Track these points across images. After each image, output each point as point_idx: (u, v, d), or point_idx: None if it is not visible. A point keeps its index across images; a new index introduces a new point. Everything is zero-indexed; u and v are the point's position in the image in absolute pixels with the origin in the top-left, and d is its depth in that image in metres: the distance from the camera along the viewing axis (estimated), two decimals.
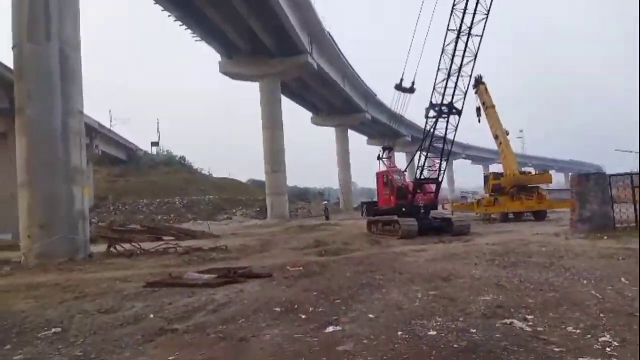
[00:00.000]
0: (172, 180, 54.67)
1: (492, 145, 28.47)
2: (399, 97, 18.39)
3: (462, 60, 15.04)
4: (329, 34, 42.74)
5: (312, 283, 7.68)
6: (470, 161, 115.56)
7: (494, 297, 5.81)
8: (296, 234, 22.93)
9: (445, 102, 15.73)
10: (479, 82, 26.90)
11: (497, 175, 26.20)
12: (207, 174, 63.88)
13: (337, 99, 56.90)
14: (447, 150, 16.43)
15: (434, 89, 15.94)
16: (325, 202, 41.48)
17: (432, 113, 16.32)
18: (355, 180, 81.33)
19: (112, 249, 15.79)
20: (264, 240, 18.72)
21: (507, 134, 26.66)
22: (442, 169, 16.83)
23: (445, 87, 15.55)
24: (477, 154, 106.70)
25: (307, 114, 65.06)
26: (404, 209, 17.09)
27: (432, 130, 16.19)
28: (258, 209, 46.51)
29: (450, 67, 15.14)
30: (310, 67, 41.25)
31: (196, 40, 39.90)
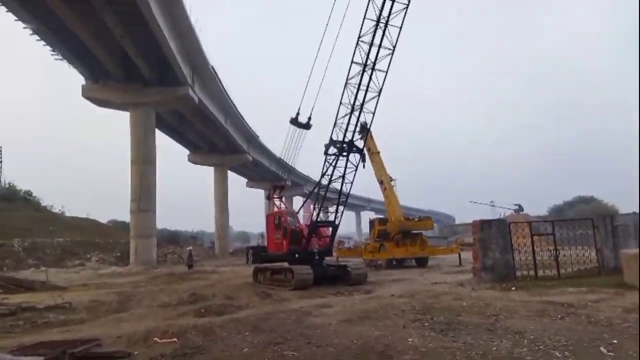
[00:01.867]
0: (12, 219, 45.71)
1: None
2: (292, 135, 16.87)
3: (365, 96, 14.16)
4: (213, 69, 40.59)
5: None
6: (374, 212, 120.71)
7: None
8: (166, 284, 19.44)
9: (346, 139, 14.56)
10: (364, 129, 26.94)
11: (382, 221, 25.98)
12: (59, 212, 55.14)
13: (218, 138, 54.19)
14: (345, 192, 15.18)
15: (335, 124, 14.74)
16: (190, 248, 36.94)
17: (332, 150, 15.03)
18: (232, 224, 77.75)
19: None
20: (124, 294, 15.15)
21: (392, 180, 26.82)
22: (339, 211, 15.47)
23: (348, 123, 14.43)
24: (378, 206, 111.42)
25: (183, 151, 60.90)
26: (297, 255, 15.17)
27: (331, 168, 14.82)
28: (119, 254, 40.59)
29: (354, 102, 14.12)
30: (190, 101, 38.31)
31: (56, 59, 34.67)
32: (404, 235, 24.03)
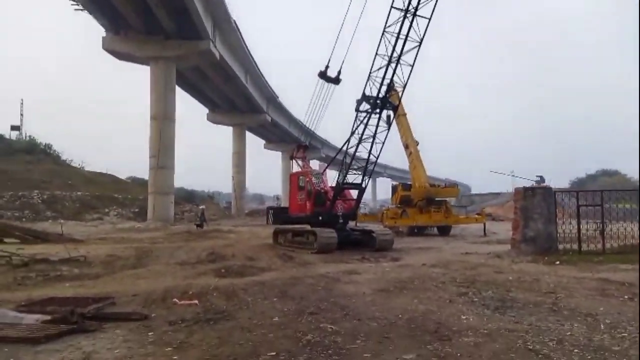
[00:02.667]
0: (32, 172, 45.99)
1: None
2: (320, 90, 15.75)
3: (404, 46, 12.91)
4: (235, 23, 39.09)
5: (220, 340, 4.54)
6: (390, 179, 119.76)
7: None
8: (184, 242, 19.04)
9: (380, 93, 13.41)
10: (391, 89, 25.62)
11: (406, 187, 24.98)
12: (79, 166, 55.37)
13: (238, 96, 53.08)
14: (375, 153, 14.21)
15: (369, 78, 13.58)
16: (202, 206, 36.28)
17: (364, 106, 13.96)
18: (247, 185, 77.53)
19: None
20: (142, 250, 14.71)
21: (418, 144, 25.63)
22: (367, 173, 14.55)
23: (384, 77, 13.22)
24: (395, 173, 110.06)
25: (202, 110, 60.10)
26: (320, 218, 14.42)
27: (364, 126, 13.77)
28: (137, 210, 40.68)
29: (392, 52, 12.87)
30: (211, 56, 37.10)
31: (76, 9, 33.56)
32: (428, 202, 23.10)
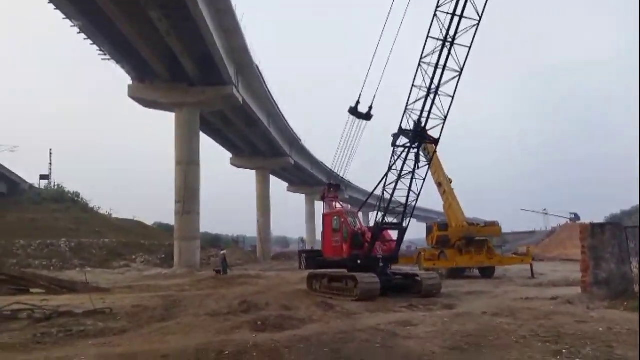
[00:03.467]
0: (60, 220, 46.31)
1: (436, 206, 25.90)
2: (349, 132, 15.10)
3: (442, 76, 12.22)
4: (258, 68, 39.60)
5: None
6: (415, 220, 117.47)
7: None
8: (212, 289, 18.13)
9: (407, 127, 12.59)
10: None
11: (442, 226, 23.70)
12: (106, 214, 55.67)
13: (261, 140, 53.28)
14: (415, 191, 13.28)
15: (405, 110, 12.87)
16: (223, 252, 34.65)
17: (402, 140, 13.17)
18: (271, 229, 76.69)
19: None
20: (169, 299, 13.85)
21: (451, 182, 24.56)
22: (407, 212, 13.53)
23: (423, 109, 12.44)
24: (419, 213, 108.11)
25: (224, 156, 60.52)
26: (359, 261, 13.36)
27: (402, 162, 12.90)
28: (163, 256, 40.13)
29: (430, 83, 12.16)
30: (234, 101, 37.42)
31: (103, 59, 34.53)
32: (468, 242, 21.74)
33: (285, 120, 53.63)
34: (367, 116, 14.87)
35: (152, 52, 32.27)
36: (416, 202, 13.55)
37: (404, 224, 13.76)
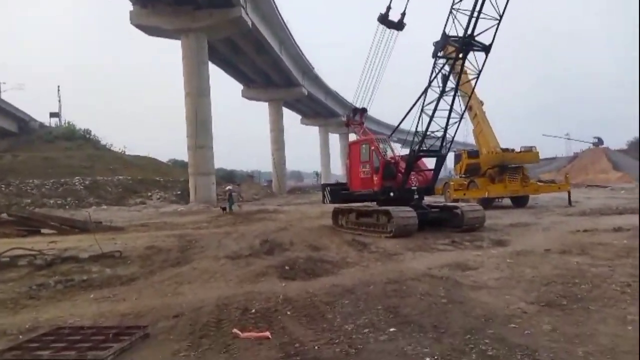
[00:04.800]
0: (73, 158, 45.68)
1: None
2: (378, 45, 12.96)
3: None
4: None
5: None
6: None
7: None
8: (231, 225, 17.10)
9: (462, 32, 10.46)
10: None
11: (472, 154, 21.95)
12: (120, 151, 54.93)
13: (272, 69, 50.61)
14: (459, 109, 11.49)
15: (450, 12, 10.73)
16: (229, 187, 32.82)
17: (448, 48, 11.16)
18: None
19: None
20: (185, 239, 12.78)
21: (482, 105, 22.41)
22: (447, 137, 11.84)
23: (474, 8, 10.23)
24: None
25: (235, 89, 58.21)
26: (392, 194, 11.92)
27: (446, 73, 10.96)
28: (179, 192, 39.54)
29: None
30: (243, 24, 34.64)
31: None
32: (501, 170, 20.09)
33: (298, 47, 50.62)
34: (399, 25, 12.73)
35: None
36: (459, 125, 11.82)
37: (443, 151, 12.13)
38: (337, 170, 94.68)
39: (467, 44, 10.63)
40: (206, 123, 34.23)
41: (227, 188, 31.14)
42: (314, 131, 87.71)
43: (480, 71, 10.98)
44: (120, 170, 44.63)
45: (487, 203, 20.91)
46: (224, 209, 25.47)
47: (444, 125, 11.46)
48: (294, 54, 50.83)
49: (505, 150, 20.70)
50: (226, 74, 52.29)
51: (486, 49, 10.83)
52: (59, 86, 61.26)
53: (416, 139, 11.64)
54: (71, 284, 7.37)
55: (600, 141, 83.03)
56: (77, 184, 38.50)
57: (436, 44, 11.15)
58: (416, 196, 12.11)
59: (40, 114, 58.74)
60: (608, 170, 59.89)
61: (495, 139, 21.16)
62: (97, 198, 36.51)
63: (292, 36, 47.16)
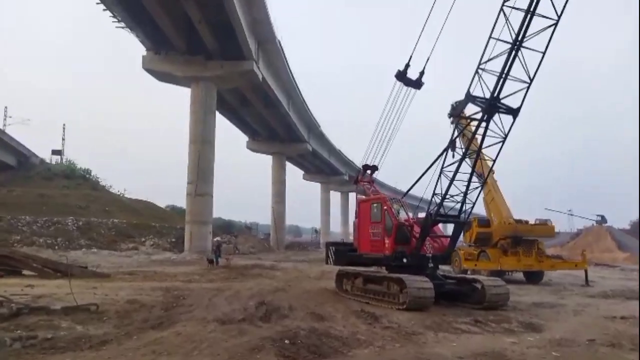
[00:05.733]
0: (70, 197, 44.78)
1: None
2: (395, 97, 12.48)
3: (527, 27, 9.36)
4: (279, 43, 37.08)
5: None
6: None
7: None
8: (223, 280, 15.92)
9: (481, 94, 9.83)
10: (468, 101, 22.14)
11: (483, 222, 20.96)
12: (118, 193, 54.10)
13: (279, 123, 50.92)
14: (479, 173, 10.76)
15: (476, 71, 10.20)
16: (218, 238, 31.18)
17: (469, 109, 10.56)
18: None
19: None
20: (172, 294, 11.61)
21: (493, 173, 21.75)
22: (466, 203, 10.93)
23: (506, 65, 9.63)
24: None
25: (240, 140, 58.38)
26: (405, 260, 10.90)
27: (469, 134, 10.21)
28: (174, 240, 38.32)
29: (518, 34, 9.33)
30: (254, 77, 35.01)
31: (117, 27, 32.26)
32: (515, 242, 19.05)
33: (305, 104, 51.17)
34: (417, 84, 12.25)
35: (169, 20, 29.98)
36: (481, 190, 11.01)
37: (462, 216, 11.23)
38: (337, 228, 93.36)
39: (493, 106, 10.02)
40: (208, 171, 33.69)
41: (216, 240, 29.88)
42: (315, 187, 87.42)
43: (506, 135, 10.28)
44: (116, 213, 43.58)
45: (498, 276, 19.71)
46: (210, 261, 24.19)
47: (463, 190, 10.62)
48: (301, 110, 51.34)
49: (519, 221, 19.79)
50: (232, 124, 52.59)
51: (513, 112, 10.19)
52: (64, 124, 61.54)
53: (435, 200, 10.73)
54: (31, 343, 6.26)
55: (603, 219, 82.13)
56: (69, 223, 37.37)
57: (458, 103, 10.59)
58: (431, 264, 11.05)
59: (42, 150, 58.23)
60: (612, 249, 58.89)
61: (508, 209, 20.34)
62: (88, 240, 35.26)
63: (300, 93, 47.79)
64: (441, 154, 10.66)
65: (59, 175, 49.30)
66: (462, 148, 10.59)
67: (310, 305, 9.97)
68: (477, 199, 11.18)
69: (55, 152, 57.00)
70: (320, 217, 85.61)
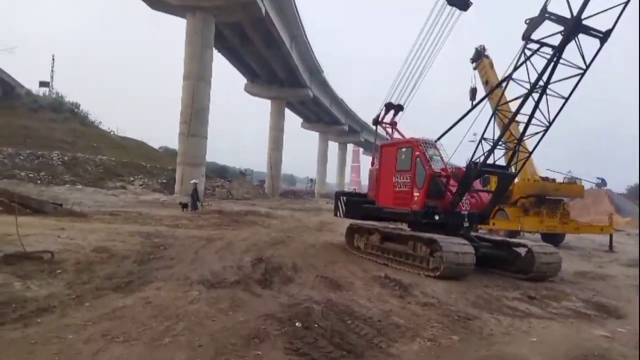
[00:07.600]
0: (56, 131, 42.33)
1: None
2: (433, 25, 10.22)
3: None
4: None
5: None
6: None
7: None
8: (215, 228, 14.11)
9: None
10: (480, 55, 19.70)
11: None
12: (109, 130, 51.60)
13: (280, 66, 47.81)
14: (547, 119, 8.59)
15: None
16: (195, 181, 26.00)
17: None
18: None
19: None
20: (153, 241, 9.74)
21: (518, 125, 19.64)
22: (518, 151, 8.97)
23: None
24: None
25: (238, 82, 55.23)
26: (437, 217, 9.10)
27: (546, 65, 7.94)
28: (165, 181, 36.45)
29: None
30: (255, 10, 31.81)
31: None
32: (538, 201, 17.29)
33: (309, 45, 47.83)
34: (465, 4, 9.93)
35: None
36: (541, 138, 9.00)
37: (510, 169, 9.28)
38: (332, 179, 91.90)
39: (580, 25, 7.71)
40: (203, 111, 31.21)
41: (192, 182, 25.61)
42: (313, 136, 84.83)
43: (587, 67, 8.04)
44: (104, 150, 41.41)
45: (512, 236, 18.08)
46: (184, 205, 21.18)
47: (517, 136, 8.61)
48: (304, 52, 48.07)
49: (546, 179, 17.93)
50: (231, 64, 49.41)
51: (603, 36, 7.87)
52: (53, 55, 57.93)
53: (481, 147, 8.66)
54: None
55: (603, 182, 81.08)
56: (54, 158, 35.22)
57: (530, 23, 8.29)
58: (466, 224, 9.13)
59: (29, 82, 54.87)
60: (610, 213, 58.11)
61: (533, 165, 18.40)
62: (73, 176, 33.26)
63: (305, 33, 44.44)
64: (499, 84, 8.57)
65: (46, 107, 46.45)
66: (528, 81, 8.42)
67: (319, 266, 8.17)
68: (534, 149, 9.19)
69: (43, 84, 53.66)
70: (317, 167, 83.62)
